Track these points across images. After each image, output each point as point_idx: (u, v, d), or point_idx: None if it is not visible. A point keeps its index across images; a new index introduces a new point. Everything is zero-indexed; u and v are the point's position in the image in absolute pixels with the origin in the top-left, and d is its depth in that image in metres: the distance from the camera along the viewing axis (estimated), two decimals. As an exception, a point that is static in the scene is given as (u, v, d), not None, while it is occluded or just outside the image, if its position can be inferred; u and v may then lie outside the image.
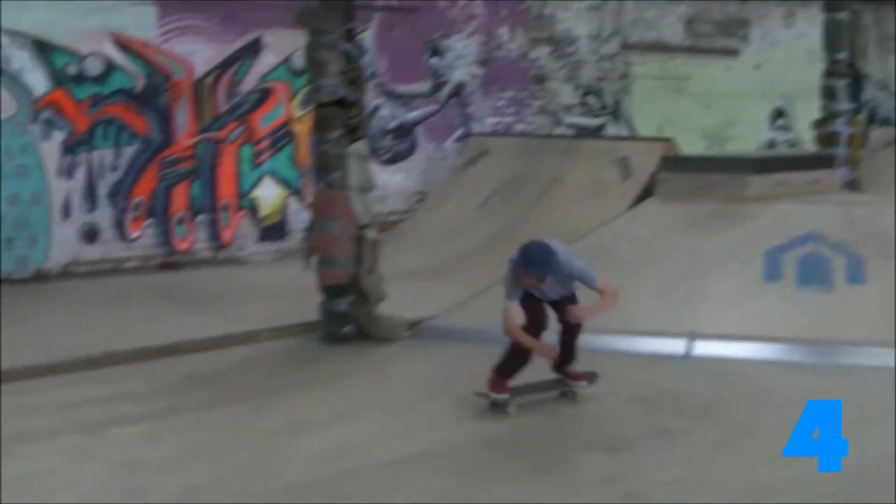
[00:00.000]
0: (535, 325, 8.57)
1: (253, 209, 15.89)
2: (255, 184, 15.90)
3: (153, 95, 15.07)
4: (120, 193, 14.84)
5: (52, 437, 8.11)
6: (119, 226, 14.82)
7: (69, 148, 14.51)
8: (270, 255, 15.84)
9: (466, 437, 8.04)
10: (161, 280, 14.38)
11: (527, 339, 8.44)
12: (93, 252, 14.65)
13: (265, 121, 16.05)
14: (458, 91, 18.35)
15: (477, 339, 10.44)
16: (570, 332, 8.75)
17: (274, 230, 16.02)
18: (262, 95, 15.99)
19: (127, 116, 14.91)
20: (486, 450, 7.76)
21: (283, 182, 16.13)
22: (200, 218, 15.46)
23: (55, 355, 10.16)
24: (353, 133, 11.04)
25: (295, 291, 12.02)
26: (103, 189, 14.73)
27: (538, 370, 8.74)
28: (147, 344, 10.54)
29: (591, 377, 9.00)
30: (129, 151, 14.94)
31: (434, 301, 11.57)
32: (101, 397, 9.06)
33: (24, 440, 8.02)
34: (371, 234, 10.92)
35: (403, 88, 17.71)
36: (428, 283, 12.65)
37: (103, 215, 14.71)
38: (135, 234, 14.96)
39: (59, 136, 14.43)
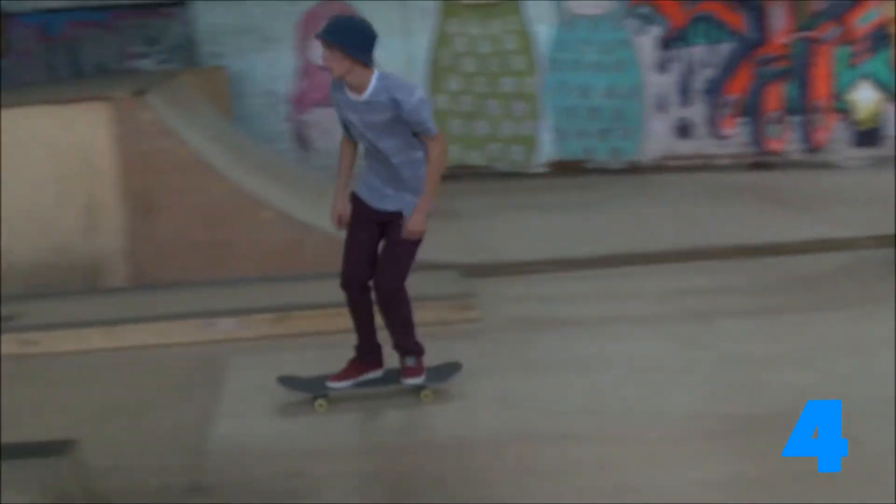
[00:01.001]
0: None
1: (848, 112, 15.46)
2: (851, 86, 15.42)
3: (750, -7, 15.04)
4: (714, 90, 14.98)
5: (662, 321, 8.43)
6: (712, 122, 14.98)
7: (665, 43, 14.83)
8: (864, 160, 15.32)
9: None
10: (752, 179, 14.39)
11: (344, 166, 6.76)
12: (685, 147, 14.93)
13: (862, 21, 15.48)
14: None
15: None
16: (383, 291, 6.56)
17: (869, 135, 15.47)
18: (860, -5, 15.45)
19: (723, 13, 14.96)
20: None
21: (881, 86, 15.51)
22: (794, 119, 15.26)
23: (655, 245, 10.55)
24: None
25: (893, 200, 11.61)
26: (697, 85, 14.93)
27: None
28: (745, 241, 10.66)
29: (441, 373, 6.85)
30: (723, 48, 15.01)
31: None
32: (705, 288, 9.25)
33: (635, 323, 8.44)
34: None
35: None
36: None
37: (697, 111, 14.95)
38: (728, 132, 15.05)
39: (654, 32, 14.79)
